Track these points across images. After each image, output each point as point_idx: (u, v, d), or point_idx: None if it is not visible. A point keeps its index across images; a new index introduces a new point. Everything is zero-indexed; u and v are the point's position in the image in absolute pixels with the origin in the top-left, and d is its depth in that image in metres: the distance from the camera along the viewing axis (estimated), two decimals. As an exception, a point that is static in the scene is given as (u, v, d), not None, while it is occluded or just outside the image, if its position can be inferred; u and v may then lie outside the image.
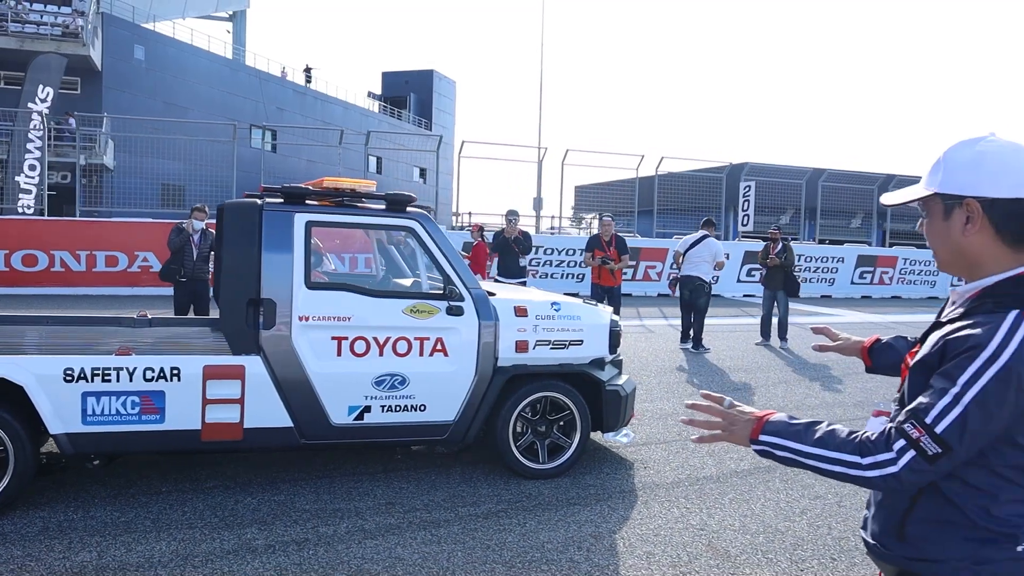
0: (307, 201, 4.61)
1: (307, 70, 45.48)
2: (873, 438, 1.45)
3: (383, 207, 4.73)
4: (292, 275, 4.37)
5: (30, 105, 16.14)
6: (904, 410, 1.46)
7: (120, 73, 30.51)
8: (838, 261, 21.52)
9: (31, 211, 16.07)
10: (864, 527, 1.65)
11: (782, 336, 11.02)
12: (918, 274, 22.50)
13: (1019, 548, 1.44)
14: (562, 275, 18.78)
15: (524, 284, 8.52)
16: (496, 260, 9.50)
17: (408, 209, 4.75)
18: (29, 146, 16.10)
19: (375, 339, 4.52)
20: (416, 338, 4.60)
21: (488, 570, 3.59)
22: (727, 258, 11.12)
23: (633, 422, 5.78)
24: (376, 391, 4.53)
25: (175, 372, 4.16)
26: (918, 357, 1.52)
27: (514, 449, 4.81)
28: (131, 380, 4.09)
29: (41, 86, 16.37)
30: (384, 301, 4.63)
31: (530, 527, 4.10)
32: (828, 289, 21.42)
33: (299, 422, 4.41)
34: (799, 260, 20.86)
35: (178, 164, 22.67)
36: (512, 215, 9.36)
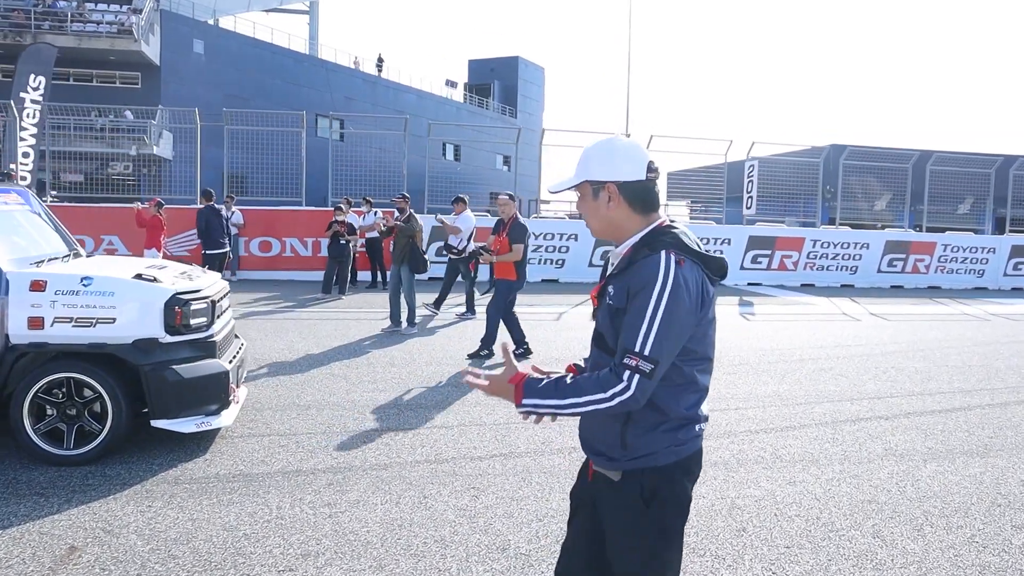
0: None
1: (379, 59, 46.26)
2: (605, 375, 1.88)
3: None
4: None
5: (22, 95, 17.17)
6: (618, 351, 1.90)
7: (178, 67, 32.15)
8: (862, 247, 19.55)
9: (26, 196, 17.11)
10: (585, 447, 2.10)
11: (409, 319, 9.96)
12: (962, 262, 20.10)
13: (696, 428, 2.01)
14: (540, 260, 18.11)
15: None
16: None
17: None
18: (23, 134, 17.15)
19: None
20: (-91, 312, 4.38)
21: None
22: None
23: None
24: None
25: None
26: (609, 304, 1.97)
27: (30, 432, 4.50)
28: None
29: (33, 75, 17.34)
30: None
31: (-72, 516, 3.79)
32: (850, 278, 19.52)
33: None
34: (814, 246, 19.15)
35: (238, 153, 23.47)
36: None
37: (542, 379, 1.96)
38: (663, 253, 1.89)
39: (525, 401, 1.93)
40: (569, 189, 2.10)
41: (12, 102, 16.55)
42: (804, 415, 6.32)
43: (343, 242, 13.58)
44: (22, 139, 17.16)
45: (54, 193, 19.33)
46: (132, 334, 4.64)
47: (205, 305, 4.96)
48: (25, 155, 17.21)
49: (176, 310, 4.73)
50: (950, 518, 4.18)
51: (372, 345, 8.91)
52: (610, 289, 1.98)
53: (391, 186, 18.50)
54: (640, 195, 2.01)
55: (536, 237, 17.93)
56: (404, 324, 10.02)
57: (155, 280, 4.80)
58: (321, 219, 16.89)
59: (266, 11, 42.02)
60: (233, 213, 16.29)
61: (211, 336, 5.01)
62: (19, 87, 17.04)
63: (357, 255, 15.83)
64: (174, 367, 4.70)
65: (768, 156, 21.25)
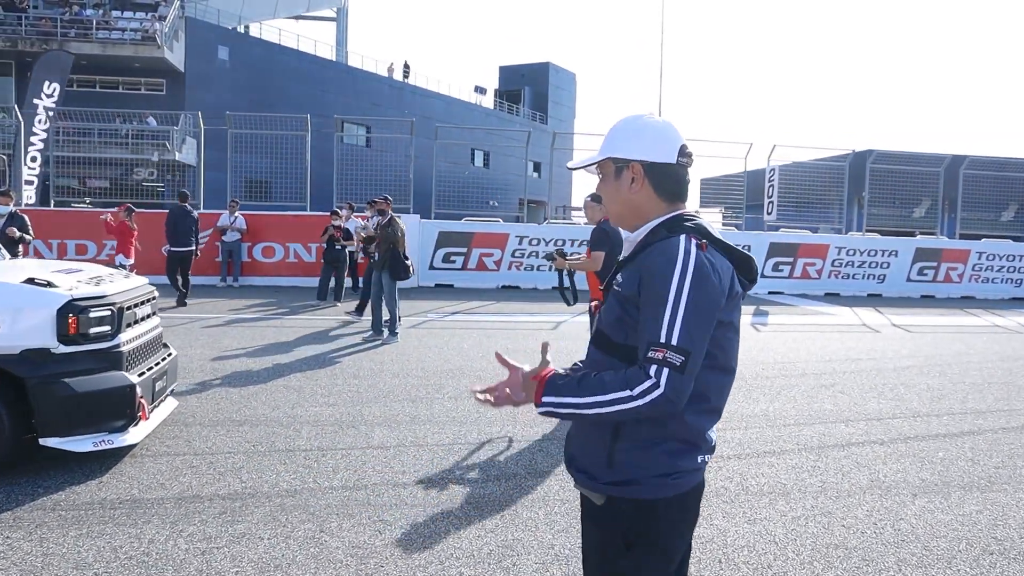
0: None
1: (405, 66, 46.17)
2: (632, 371, 1.63)
3: None
4: None
5: (35, 101, 17.22)
6: (640, 346, 1.65)
7: (203, 73, 32.29)
8: (890, 255, 18.63)
9: (32, 201, 17.14)
10: (570, 464, 1.86)
11: (391, 328, 9.59)
12: (998, 270, 19.05)
13: (699, 459, 1.75)
14: (550, 268, 17.55)
15: None
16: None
17: None
18: (33, 139, 17.19)
19: None
20: None
21: None
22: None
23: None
24: None
25: None
26: (616, 291, 1.75)
27: (-96, 451, 4.13)
28: None
29: (47, 82, 17.40)
30: None
31: None
32: (877, 287, 18.61)
33: None
34: (839, 253, 18.28)
35: (262, 159, 23.29)
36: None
37: (565, 376, 1.74)
38: (683, 236, 1.69)
39: (544, 399, 1.71)
40: (590, 166, 1.88)
41: (16, 107, 16.57)
42: (789, 439, 5.70)
43: (339, 248, 13.22)
44: (31, 143, 17.21)
45: (88, 200, 19.39)
46: (19, 344, 4.25)
47: (108, 313, 4.54)
48: (33, 159, 17.25)
49: (71, 318, 4.33)
50: (928, 568, 3.56)
51: (345, 355, 8.48)
52: (619, 277, 1.78)
53: (400, 191, 18.17)
54: (669, 180, 1.80)
55: (548, 244, 17.42)
56: (385, 333, 9.59)
57: (49, 285, 4.40)
58: (325, 224, 16.62)
59: (294, 18, 42.14)
60: (236, 218, 16.07)
61: (116, 346, 4.59)
62: (33, 94, 17.15)
63: (360, 261, 15.49)
64: (66, 380, 4.29)
65: (792, 161, 20.45)
